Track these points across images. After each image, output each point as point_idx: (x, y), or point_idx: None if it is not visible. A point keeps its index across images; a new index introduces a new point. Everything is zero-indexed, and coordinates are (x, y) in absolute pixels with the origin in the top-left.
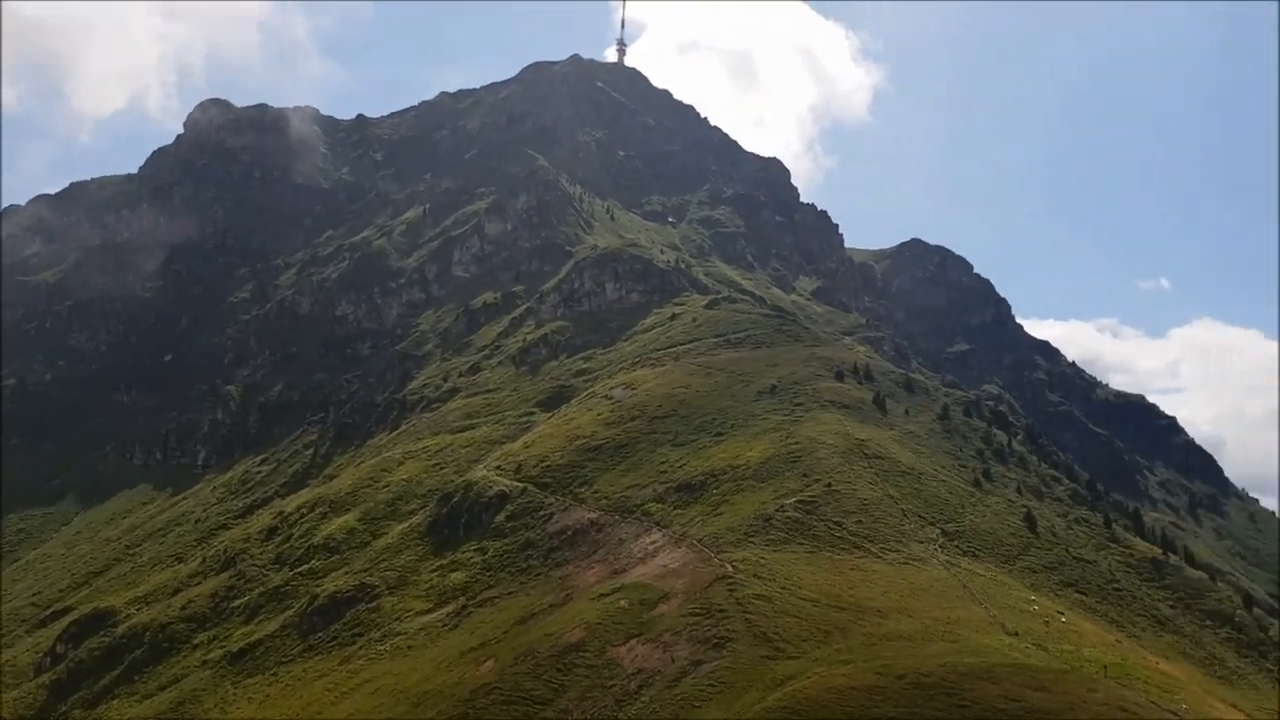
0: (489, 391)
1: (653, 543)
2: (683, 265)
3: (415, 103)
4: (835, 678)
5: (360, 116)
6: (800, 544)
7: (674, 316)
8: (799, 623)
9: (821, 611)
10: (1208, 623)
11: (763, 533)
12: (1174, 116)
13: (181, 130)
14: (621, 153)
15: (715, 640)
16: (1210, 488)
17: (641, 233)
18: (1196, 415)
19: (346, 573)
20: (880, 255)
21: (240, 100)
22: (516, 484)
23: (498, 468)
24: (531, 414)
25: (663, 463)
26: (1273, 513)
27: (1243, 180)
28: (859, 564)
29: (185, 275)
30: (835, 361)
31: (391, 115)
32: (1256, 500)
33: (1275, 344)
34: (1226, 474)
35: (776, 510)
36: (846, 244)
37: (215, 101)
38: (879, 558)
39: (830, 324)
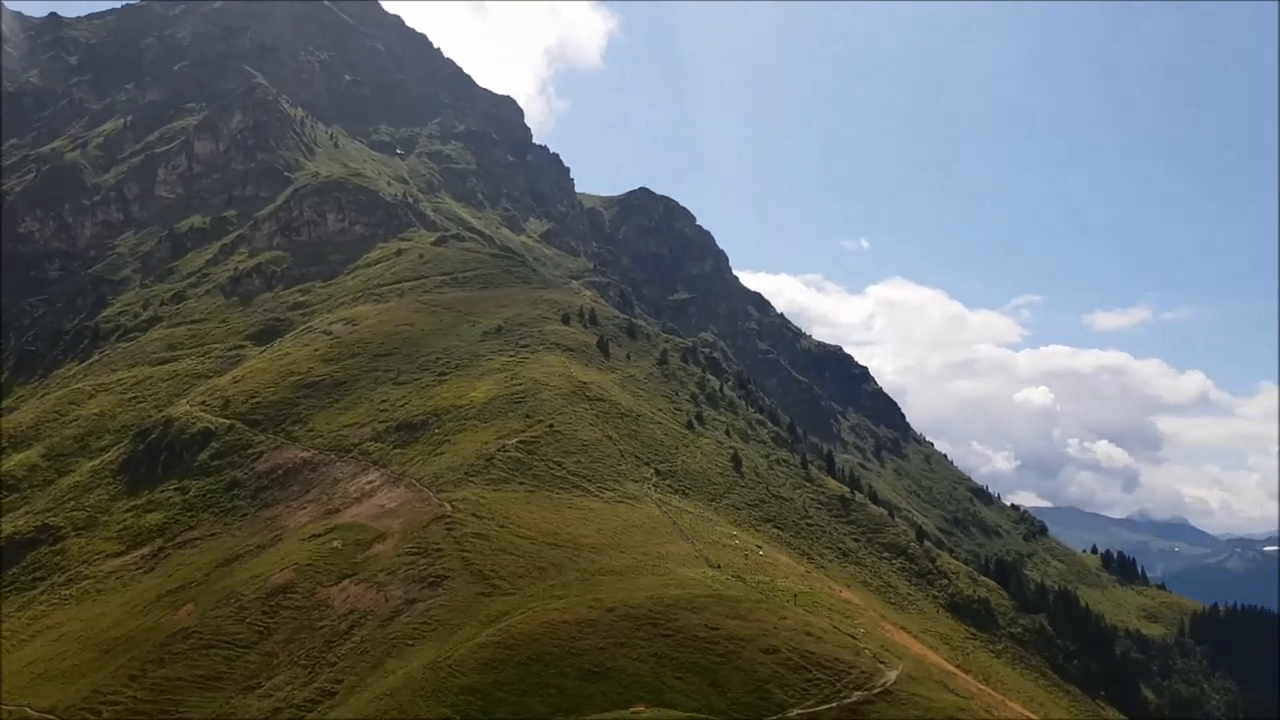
0: (194, 322)
1: (370, 482)
2: (410, 199)
3: (118, 5)
4: (549, 612)
5: (53, 15)
6: (521, 483)
7: (400, 252)
8: (516, 560)
9: (538, 549)
10: (885, 554)
11: (484, 472)
12: (878, 85)
13: None
14: (348, 77)
15: (431, 579)
16: (894, 432)
17: (368, 163)
18: (885, 366)
19: (27, 513)
20: (609, 202)
21: None
22: (223, 421)
23: (202, 403)
24: (242, 347)
25: (383, 401)
26: (945, 455)
27: (934, 151)
28: (577, 502)
29: None
30: (562, 305)
31: (90, 16)
32: (932, 444)
33: (955, 303)
34: (908, 419)
35: (498, 450)
36: (577, 189)
37: None
38: (596, 496)
39: (558, 267)
